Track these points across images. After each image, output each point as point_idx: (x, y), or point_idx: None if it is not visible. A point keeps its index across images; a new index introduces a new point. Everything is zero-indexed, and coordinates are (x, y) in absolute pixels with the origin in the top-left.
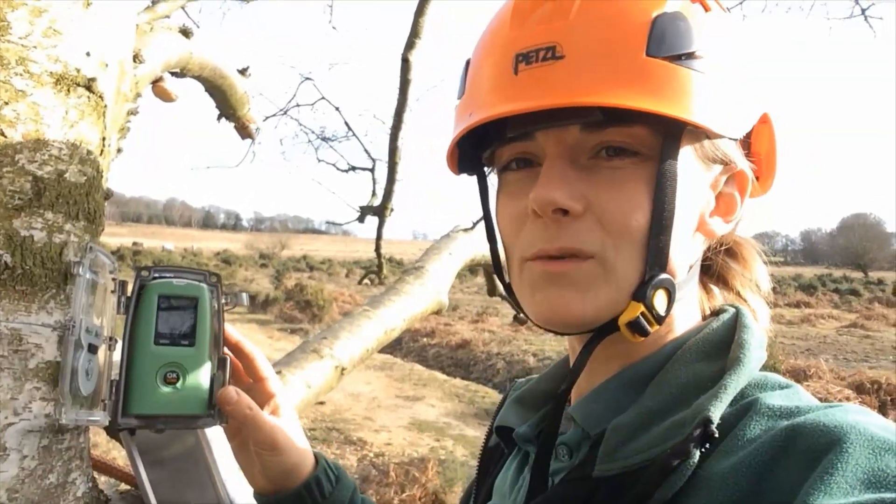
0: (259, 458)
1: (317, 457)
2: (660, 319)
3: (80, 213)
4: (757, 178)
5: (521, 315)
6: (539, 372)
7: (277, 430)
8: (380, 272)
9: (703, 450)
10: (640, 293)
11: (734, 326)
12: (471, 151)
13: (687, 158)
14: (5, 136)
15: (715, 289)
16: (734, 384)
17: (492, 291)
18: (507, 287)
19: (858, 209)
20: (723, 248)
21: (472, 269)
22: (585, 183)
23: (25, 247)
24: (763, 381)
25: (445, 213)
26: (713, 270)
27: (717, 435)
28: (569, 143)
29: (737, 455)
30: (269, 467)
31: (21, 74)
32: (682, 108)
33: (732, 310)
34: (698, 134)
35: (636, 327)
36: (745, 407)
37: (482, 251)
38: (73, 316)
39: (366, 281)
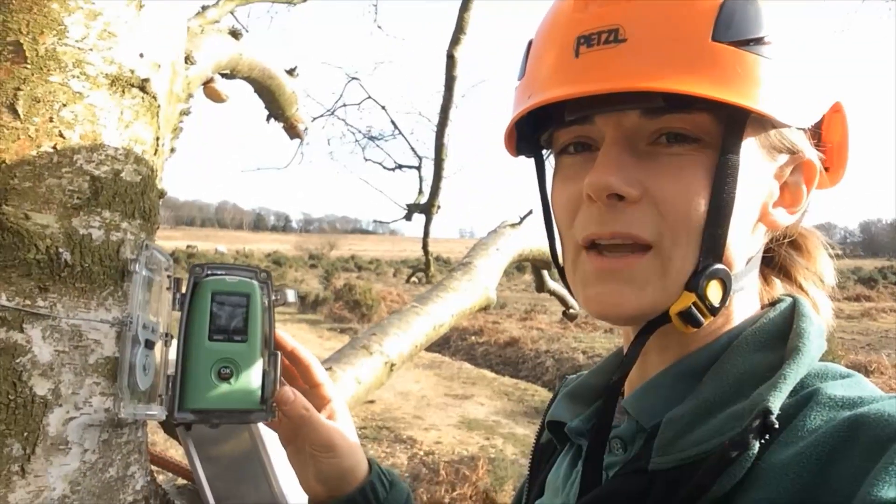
0: (314, 461)
1: (370, 462)
2: (714, 311)
3: (136, 212)
4: (826, 170)
5: (571, 311)
6: (589, 369)
7: (334, 431)
8: (427, 270)
9: (762, 441)
10: (693, 283)
11: (792, 316)
12: (529, 133)
13: (750, 147)
14: (64, 138)
15: (777, 281)
16: (793, 374)
17: (540, 287)
18: (562, 272)
19: None
20: (786, 239)
21: (519, 266)
22: (643, 169)
23: (84, 245)
24: (823, 371)
25: (491, 211)
26: (775, 262)
27: (776, 426)
28: (627, 128)
29: (797, 446)
30: (324, 470)
31: (78, 77)
32: (748, 95)
33: (790, 299)
34: (764, 122)
35: (688, 318)
36: (805, 397)
37: (530, 246)
38: (131, 312)
39: (413, 279)
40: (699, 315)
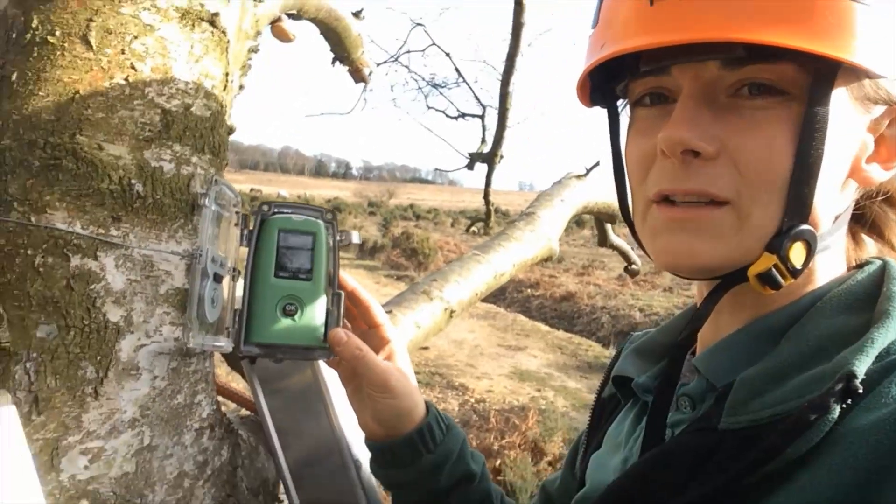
0: (371, 401)
1: (428, 405)
2: (795, 273)
3: (206, 147)
4: None
5: (633, 267)
6: (645, 327)
7: (391, 372)
8: (487, 220)
9: (843, 406)
10: (776, 244)
11: (882, 279)
12: (603, 83)
13: (841, 99)
14: (136, 70)
15: (868, 240)
16: (881, 338)
17: (602, 241)
18: (632, 227)
19: None
20: (881, 196)
21: (578, 220)
22: (721, 123)
23: (156, 177)
24: None
25: (552, 164)
26: (866, 219)
27: (860, 391)
28: (706, 79)
29: (879, 412)
30: (381, 410)
31: (149, 9)
32: (841, 45)
33: (879, 262)
34: (858, 72)
35: (768, 279)
36: (891, 364)
37: (595, 198)
38: (201, 245)
39: (473, 229)
40: (779, 277)
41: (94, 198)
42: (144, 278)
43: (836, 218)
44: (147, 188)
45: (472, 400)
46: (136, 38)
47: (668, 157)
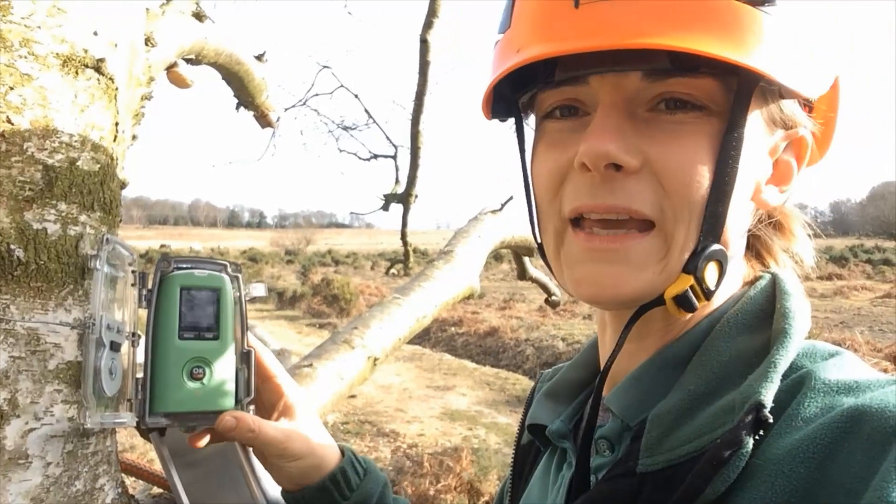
0: (278, 466)
1: (343, 450)
2: (708, 294)
3: (96, 204)
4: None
5: (553, 298)
6: (569, 356)
7: (291, 438)
8: (406, 261)
9: (756, 437)
10: (692, 265)
11: (773, 294)
12: (508, 94)
13: (753, 121)
14: (12, 124)
15: (753, 261)
16: (783, 359)
17: (522, 275)
18: (541, 247)
19: (889, 177)
20: (770, 220)
21: (496, 255)
22: (643, 137)
23: (39, 240)
24: (811, 351)
25: (468, 202)
26: (751, 243)
27: (770, 420)
28: (627, 91)
29: (793, 437)
30: (289, 471)
31: (25, 57)
32: (764, 59)
33: (768, 276)
34: (767, 93)
35: (683, 302)
36: (797, 382)
37: (512, 233)
38: (93, 313)
39: (392, 271)
40: (694, 299)
41: None
42: (30, 354)
43: (740, 238)
44: (29, 253)
45: (405, 446)
46: (11, 88)
47: (589, 170)
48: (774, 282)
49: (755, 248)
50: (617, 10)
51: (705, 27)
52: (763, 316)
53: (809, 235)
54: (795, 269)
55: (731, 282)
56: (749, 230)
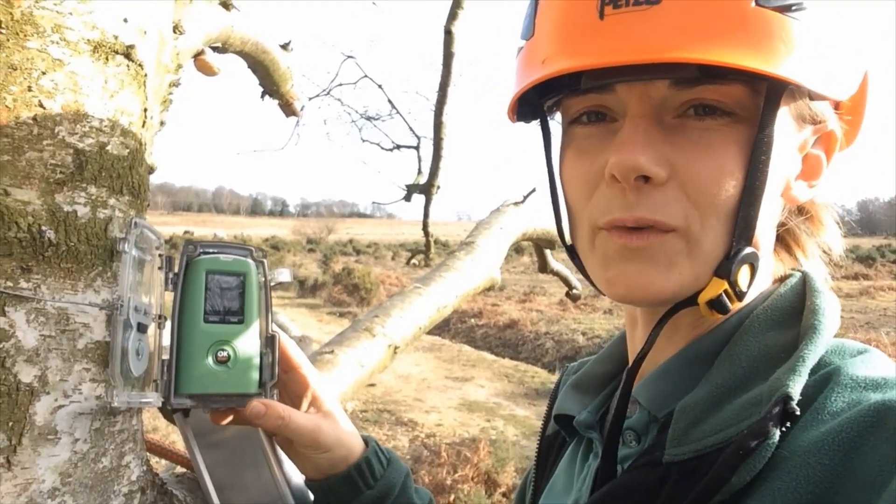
0: (305, 456)
1: (366, 440)
2: (741, 296)
3: (124, 188)
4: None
5: (574, 292)
6: (588, 350)
7: (319, 428)
8: (427, 251)
9: (783, 429)
10: (725, 269)
11: (803, 291)
12: (534, 99)
13: (782, 120)
14: (44, 108)
15: (785, 255)
16: (812, 354)
17: (543, 268)
18: (570, 249)
19: None
20: (803, 217)
21: (517, 248)
22: (671, 146)
23: (69, 222)
24: (840, 348)
25: (489, 194)
26: (782, 236)
27: (797, 412)
28: (655, 99)
29: (819, 430)
30: (317, 462)
31: (57, 42)
32: (792, 67)
33: (799, 274)
34: (796, 93)
35: (717, 305)
36: (824, 377)
37: (534, 225)
38: (121, 294)
39: (413, 261)
40: (727, 302)
41: (0, 248)
42: (60, 333)
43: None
44: (60, 235)
45: (422, 435)
46: (44, 73)
47: (618, 182)
48: (805, 279)
49: (785, 240)
50: (643, 21)
51: (733, 36)
52: (793, 312)
53: (839, 224)
54: (823, 259)
55: (761, 278)
56: (780, 224)
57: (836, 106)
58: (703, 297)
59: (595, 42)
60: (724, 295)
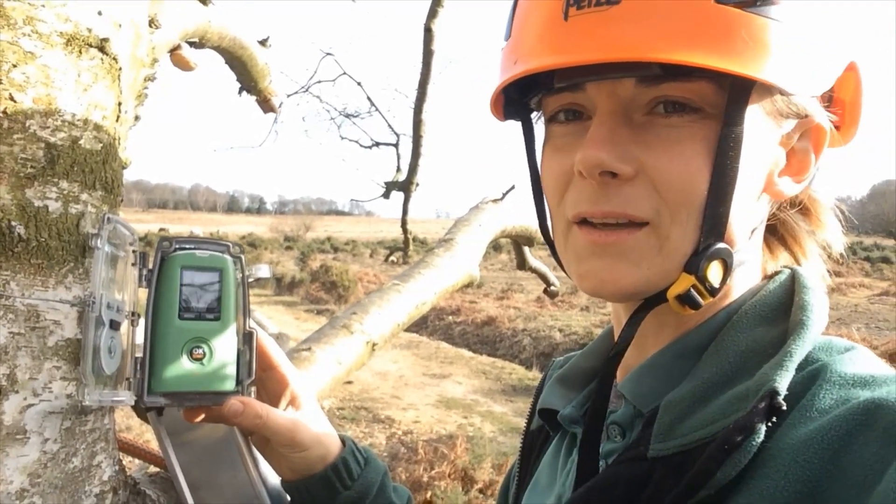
0: (282, 456)
1: (343, 440)
2: (713, 292)
3: (97, 183)
4: (837, 128)
5: (552, 289)
6: (565, 347)
7: (296, 427)
8: (406, 249)
9: (769, 424)
10: (693, 265)
11: (792, 287)
12: (517, 97)
13: (755, 116)
14: (15, 101)
15: (783, 250)
16: (799, 349)
17: (521, 265)
18: (552, 245)
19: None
20: (794, 209)
21: (495, 245)
22: (638, 143)
23: (40, 218)
24: (828, 345)
25: (468, 192)
26: (778, 230)
27: (784, 407)
28: (622, 97)
29: (807, 427)
30: (293, 462)
31: (29, 35)
32: (755, 64)
33: (788, 271)
34: (771, 88)
35: (687, 300)
36: (812, 374)
37: (513, 222)
38: (93, 291)
39: (391, 259)
40: (698, 297)
41: None
42: (29, 330)
43: (752, 232)
44: (30, 230)
45: (400, 432)
46: (14, 66)
47: (586, 178)
48: (794, 276)
49: (780, 233)
50: (605, 21)
51: (693, 34)
52: (781, 308)
53: (840, 221)
54: (822, 256)
55: (748, 274)
56: (772, 217)
57: (830, 100)
58: (672, 293)
59: (559, 42)
60: (692, 290)
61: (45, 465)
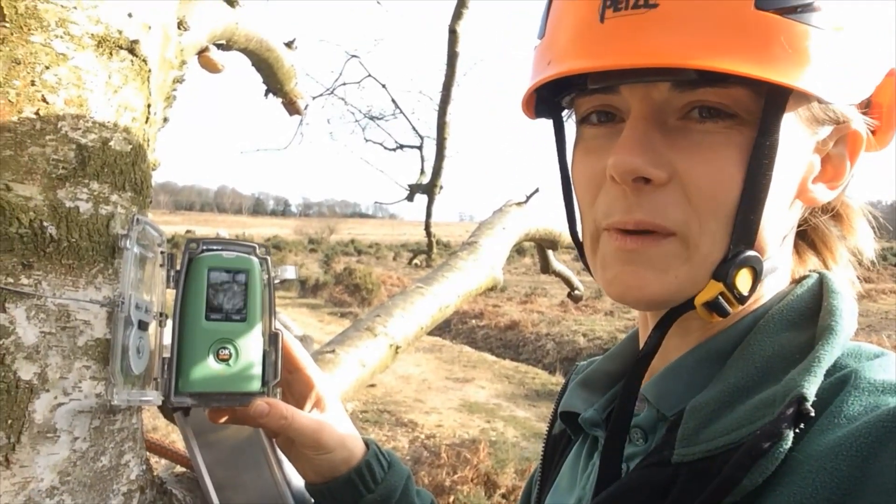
0: (306, 458)
1: (367, 443)
2: (742, 299)
3: (127, 184)
4: (874, 133)
5: (576, 293)
6: (589, 352)
7: (322, 429)
8: (429, 252)
9: (797, 430)
10: (722, 272)
11: (820, 292)
12: (549, 96)
13: (791, 123)
14: (47, 103)
15: (812, 255)
16: (828, 356)
17: (545, 268)
18: (580, 247)
19: None
20: (826, 215)
21: (519, 249)
22: (672, 148)
23: (71, 218)
24: (857, 351)
25: (491, 194)
26: (809, 235)
27: (812, 414)
28: (656, 101)
29: (835, 434)
30: (318, 464)
31: (61, 37)
32: (794, 72)
33: (816, 276)
34: (808, 96)
35: (715, 307)
36: (841, 380)
37: (536, 225)
38: (122, 291)
39: (415, 262)
40: (726, 305)
41: (1, 244)
42: (60, 330)
43: (783, 238)
44: (61, 231)
45: (422, 436)
46: (47, 68)
47: (619, 183)
48: (822, 280)
49: (810, 238)
50: (643, 24)
51: (730, 40)
52: (809, 313)
53: (873, 227)
54: (853, 262)
55: (778, 279)
56: (803, 222)
57: (868, 104)
58: (699, 300)
59: (595, 45)
60: (720, 298)
61: (75, 464)
